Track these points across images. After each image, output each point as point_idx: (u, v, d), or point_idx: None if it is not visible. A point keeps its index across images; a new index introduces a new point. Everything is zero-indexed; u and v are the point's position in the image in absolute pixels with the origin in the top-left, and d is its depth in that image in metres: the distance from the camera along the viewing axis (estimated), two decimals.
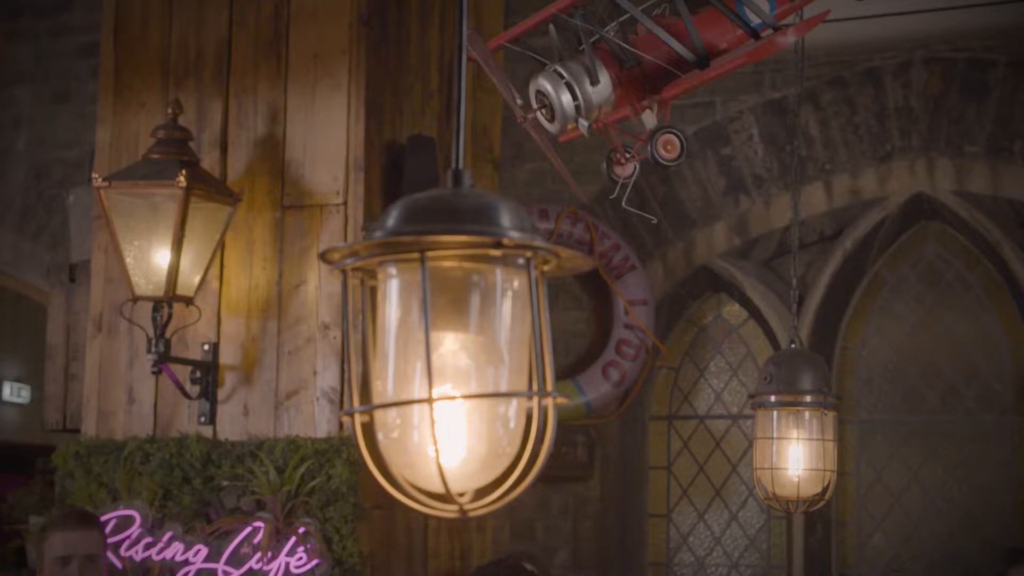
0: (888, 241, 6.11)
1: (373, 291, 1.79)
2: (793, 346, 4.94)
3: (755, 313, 6.28)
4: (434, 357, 1.70)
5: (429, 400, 1.66)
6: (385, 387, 1.74)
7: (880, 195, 6.08)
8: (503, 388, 1.74)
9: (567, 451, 6.05)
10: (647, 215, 4.48)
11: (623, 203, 4.69)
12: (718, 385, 6.44)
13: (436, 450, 1.66)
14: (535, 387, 1.75)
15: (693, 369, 6.49)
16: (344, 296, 1.76)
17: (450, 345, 1.73)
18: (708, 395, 6.46)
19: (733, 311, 6.42)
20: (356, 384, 1.77)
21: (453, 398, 1.70)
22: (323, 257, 1.73)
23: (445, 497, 1.70)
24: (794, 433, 4.88)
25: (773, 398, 4.80)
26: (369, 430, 1.75)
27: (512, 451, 1.75)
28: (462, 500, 1.73)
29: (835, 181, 6.12)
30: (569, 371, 6.17)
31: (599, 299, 6.24)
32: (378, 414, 1.75)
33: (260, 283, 5.66)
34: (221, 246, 5.56)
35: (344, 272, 1.75)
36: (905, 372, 6.13)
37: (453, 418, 1.71)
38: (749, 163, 6.17)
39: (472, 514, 1.71)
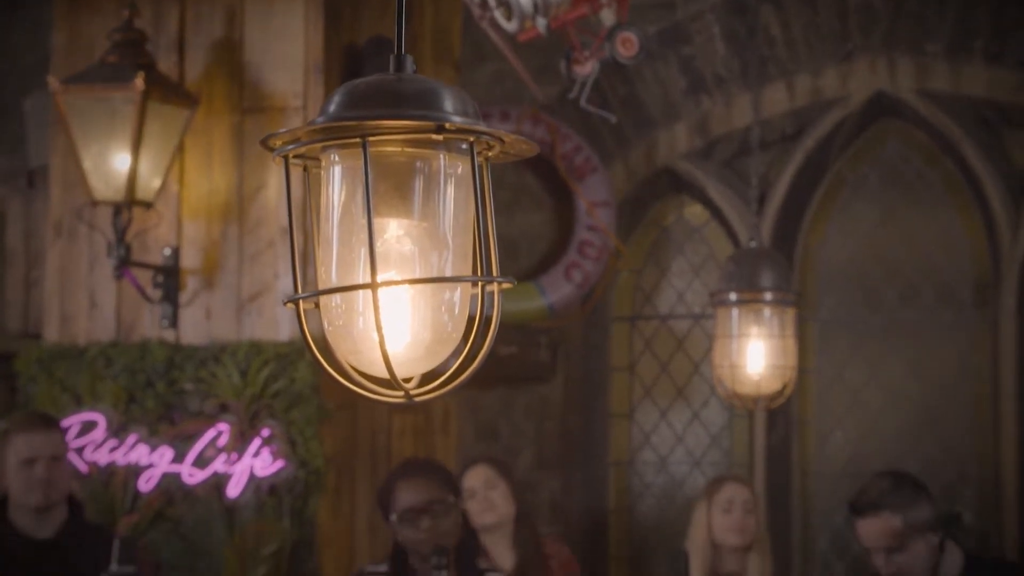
0: (849, 140, 6.12)
1: (317, 179, 1.79)
2: (753, 244, 4.96)
3: (717, 213, 6.29)
4: (378, 243, 1.71)
5: (373, 285, 1.67)
6: (329, 274, 1.74)
7: (841, 94, 6.08)
8: (448, 274, 1.75)
9: (530, 352, 6.08)
10: (606, 113, 4.48)
11: (582, 102, 4.69)
12: (680, 285, 6.47)
13: (380, 336, 1.67)
14: (480, 273, 1.75)
15: (655, 270, 6.51)
16: (286, 183, 1.76)
17: (394, 231, 1.73)
18: (670, 295, 6.49)
19: (695, 212, 6.43)
20: (300, 272, 1.77)
21: (397, 283, 1.70)
22: (264, 143, 1.72)
23: (391, 383, 1.71)
24: (754, 330, 4.91)
25: (733, 296, 4.83)
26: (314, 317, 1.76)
27: (457, 336, 1.76)
28: (408, 385, 1.73)
29: (796, 80, 6.12)
30: (531, 273, 6.19)
31: (561, 201, 6.24)
32: (323, 301, 1.75)
33: (220, 187, 5.64)
34: (180, 150, 5.53)
35: (285, 159, 1.75)
36: (865, 270, 6.16)
37: (398, 304, 1.72)
38: (710, 63, 6.16)
39: (418, 399, 1.72)
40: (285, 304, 1.73)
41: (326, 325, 1.76)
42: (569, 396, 6.40)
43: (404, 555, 4.34)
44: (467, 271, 1.77)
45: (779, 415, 6.09)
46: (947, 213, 6.04)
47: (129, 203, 5.36)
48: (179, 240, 5.65)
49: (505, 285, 1.77)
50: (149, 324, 5.65)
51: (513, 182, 6.34)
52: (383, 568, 4.37)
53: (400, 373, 1.71)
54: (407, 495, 4.27)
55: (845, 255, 6.19)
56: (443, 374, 1.77)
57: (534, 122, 6.07)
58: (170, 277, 5.61)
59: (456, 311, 1.76)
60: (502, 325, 5.57)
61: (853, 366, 6.16)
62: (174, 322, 5.61)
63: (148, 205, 5.43)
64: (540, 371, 6.20)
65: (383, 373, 1.71)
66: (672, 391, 6.45)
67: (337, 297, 1.74)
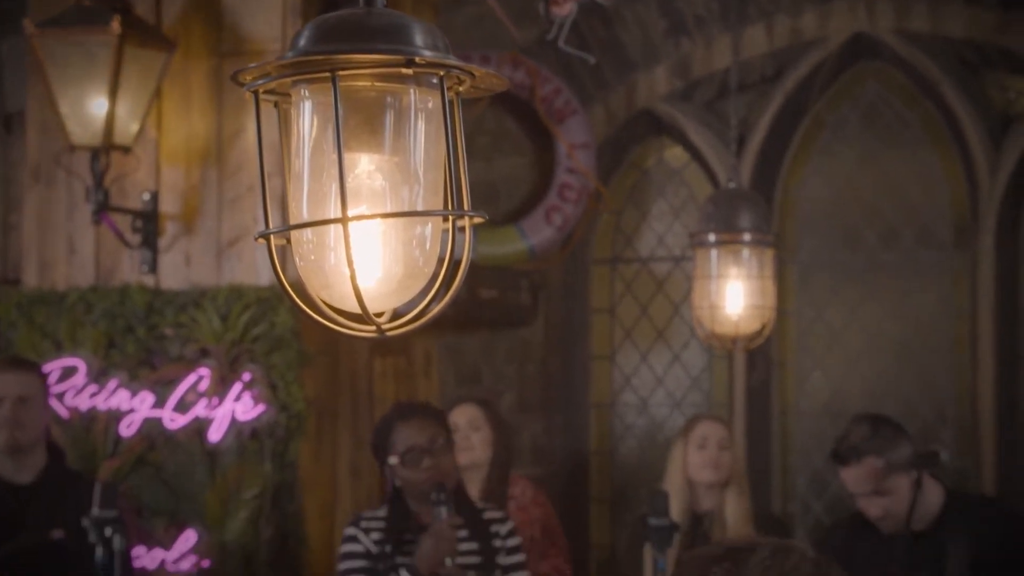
0: (828, 81, 6.11)
1: (288, 115, 1.79)
2: (732, 185, 4.96)
3: (697, 156, 6.29)
4: (349, 178, 1.71)
5: (344, 220, 1.67)
6: (300, 209, 1.74)
7: (820, 35, 6.07)
8: (419, 208, 1.75)
9: (510, 296, 6.08)
10: (585, 55, 4.47)
11: (561, 43, 4.68)
12: (660, 228, 6.47)
13: (352, 271, 1.67)
14: (450, 207, 1.75)
15: (635, 212, 6.51)
16: (257, 118, 1.76)
17: (365, 166, 1.73)
18: (650, 238, 6.50)
19: (675, 154, 6.43)
20: (271, 208, 1.77)
21: (368, 217, 1.70)
22: (235, 78, 1.72)
23: (363, 317, 1.71)
24: (733, 271, 4.92)
25: (712, 237, 4.84)
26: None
27: (429, 271, 1.76)
28: (380, 320, 1.74)
29: (776, 22, 6.10)
30: (512, 216, 6.18)
31: (541, 144, 6.23)
32: (295, 237, 1.75)
33: (199, 131, 5.62)
34: (158, 94, 5.50)
35: (256, 94, 1.74)
36: (845, 212, 6.17)
37: (369, 239, 1.72)
38: (690, 4, 6.14)
39: (390, 334, 1.73)
40: (256, 239, 1.74)
41: (298, 261, 1.76)
42: (550, 339, 6.41)
43: (402, 498, 4.35)
44: (438, 206, 1.77)
45: (759, 356, 6.11)
46: (926, 154, 6.04)
47: (107, 148, 5.34)
48: (158, 185, 5.63)
49: (476, 220, 1.77)
50: (128, 269, 5.65)
51: (493, 127, 6.33)
52: (381, 513, 4.39)
53: (372, 308, 1.72)
54: (407, 435, 4.30)
55: (824, 197, 6.20)
56: (422, 313, 1.77)
57: (514, 65, 6.05)
58: (149, 222, 5.60)
59: (427, 246, 1.76)
60: (483, 269, 5.61)
61: (833, 307, 6.18)
62: (154, 267, 5.61)
63: (126, 150, 5.42)
64: (521, 314, 6.21)
65: (355, 308, 1.71)
66: (653, 333, 6.46)
67: (308, 232, 1.74)
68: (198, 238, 5.60)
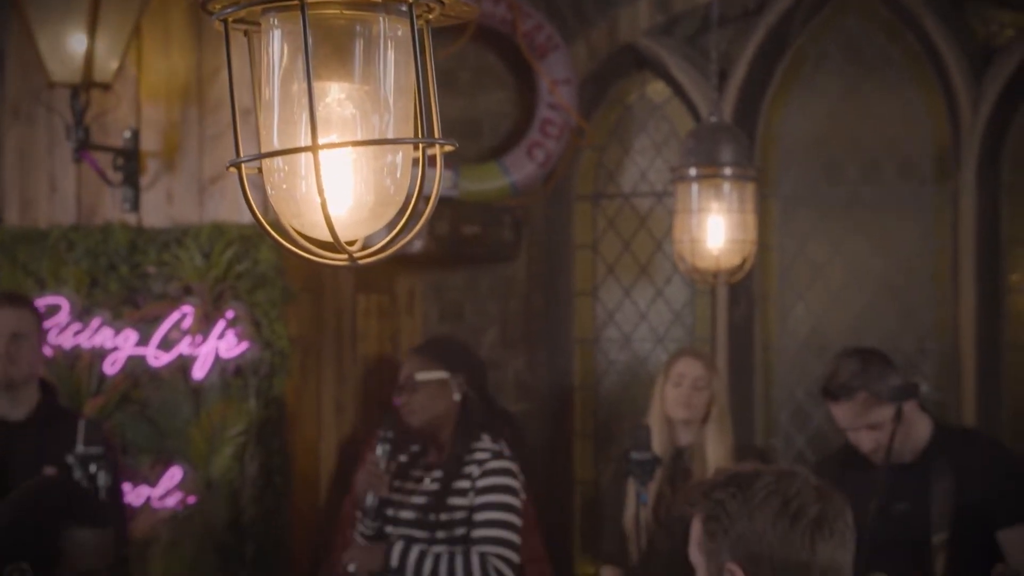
0: (810, 15, 6.09)
1: (257, 44, 1.79)
2: (713, 119, 4.96)
3: (679, 91, 6.27)
4: (319, 107, 1.71)
5: (314, 148, 1.67)
6: (271, 138, 1.75)
7: None
8: (389, 137, 1.75)
9: (493, 232, 6.09)
10: None
11: None
12: (643, 163, 6.47)
13: (322, 199, 1.68)
14: (420, 135, 1.76)
15: (618, 148, 6.50)
16: (227, 47, 1.76)
17: (335, 95, 1.74)
18: (633, 173, 6.49)
19: (657, 89, 6.41)
20: (242, 137, 1.77)
21: (338, 145, 1.71)
22: (204, 7, 1.72)
23: (334, 246, 1.72)
24: (714, 205, 4.93)
25: (693, 171, 4.84)
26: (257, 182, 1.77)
27: (400, 199, 1.77)
28: (352, 248, 1.75)
29: None
30: (494, 152, 6.18)
31: (523, 79, 6.21)
32: (266, 166, 1.76)
33: (179, 69, 5.61)
34: (138, 31, 5.49)
35: (224, 22, 1.74)
36: (827, 146, 6.17)
37: (340, 167, 1.73)
38: None
39: (362, 262, 1.74)
40: (228, 168, 1.74)
41: (269, 190, 1.77)
42: (533, 275, 6.42)
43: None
44: (409, 135, 1.77)
45: (741, 291, 6.13)
46: (908, 87, 6.03)
47: (87, 85, 5.34)
48: (138, 123, 5.63)
49: (447, 148, 1.78)
50: (110, 207, 5.65)
51: (475, 63, 6.31)
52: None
53: (344, 236, 1.72)
54: (402, 370, 4.41)
55: (807, 131, 6.19)
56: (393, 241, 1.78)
57: (495, 0, 6.03)
58: (130, 160, 5.60)
59: (398, 174, 1.76)
60: (465, 205, 5.61)
61: (815, 241, 6.19)
62: (135, 205, 5.61)
63: (106, 87, 5.41)
64: (504, 250, 6.21)
65: (327, 237, 1.72)
66: (635, 269, 6.47)
67: (279, 161, 1.75)
68: (180, 176, 5.60)
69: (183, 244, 5.48)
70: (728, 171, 4.80)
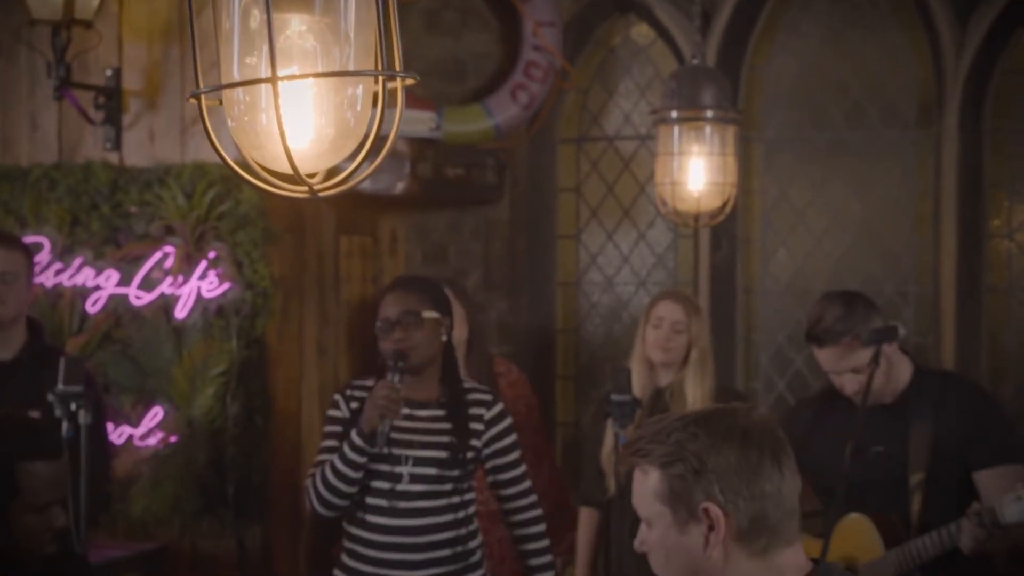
0: None
1: None
2: (695, 62, 4.96)
3: (664, 33, 6.26)
4: (279, 39, 1.71)
5: (273, 79, 1.67)
6: (231, 69, 1.75)
7: None
8: (350, 69, 1.75)
9: (476, 174, 6.08)
10: None
11: None
12: (627, 106, 6.46)
13: (281, 130, 1.68)
14: (380, 68, 1.76)
15: (602, 91, 6.49)
16: None
17: (295, 27, 1.74)
18: (617, 117, 6.48)
19: (641, 32, 6.39)
20: (202, 69, 1.77)
21: (298, 77, 1.71)
22: None
23: (295, 178, 1.73)
24: (695, 148, 4.94)
25: (674, 113, 4.85)
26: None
27: (360, 132, 1.77)
28: (312, 181, 1.75)
29: None
30: (477, 94, 6.16)
31: (507, 21, 6.19)
32: (226, 97, 1.76)
33: (161, 6, 5.58)
34: None
35: None
36: (811, 90, 6.16)
37: (300, 99, 1.73)
38: None
39: (322, 195, 1.74)
40: (188, 99, 1.74)
41: (230, 122, 1.77)
42: (516, 218, 6.42)
43: (384, 367, 4.42)
44: (369, 67, 1.77)
45: (723, 234, 6.14)
46: (893, 32, 6.02)
47: (68, 22, 5.31)
48: (120, 61, 5.60)
49: (408, 81, 1.78)
50: (92, 146, 5.64)
51: (460, 3, 6.28)
52: (368, 382, 4.44)
53: (304, 169, 1.73)
54: (386, 307, 4.34)
55: (790, 74, 6.18)
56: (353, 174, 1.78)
57: None
58: (112, 99, 5.58)
59: (359, 107, 1.76)
60: (449, 147, 5.58)
61: (797, 185, 6.19)
62: (117, 144, 5.60)
63: (87, 24, 5.38)
64: (487, 193, 6.21)
65: (287, 169, 1.73)
66: (618, 212, 6.48)
67: (240, 92, 1.75)
68: (161, 115, 5.59)
69: (165, 184, 5.47)
70: (709, 114, 4.81)
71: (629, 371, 4.60)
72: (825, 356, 4.26)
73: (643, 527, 2.33)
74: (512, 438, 4.50)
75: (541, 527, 4.54)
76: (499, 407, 4.50)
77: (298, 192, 1.72)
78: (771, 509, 2.21)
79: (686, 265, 6.33)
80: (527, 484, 4.53)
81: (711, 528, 2.21)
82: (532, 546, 4.53)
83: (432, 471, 4.36)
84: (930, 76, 5.92)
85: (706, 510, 2.21)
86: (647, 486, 2.27)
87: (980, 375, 5.74)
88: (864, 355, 4.17)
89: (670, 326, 5.02)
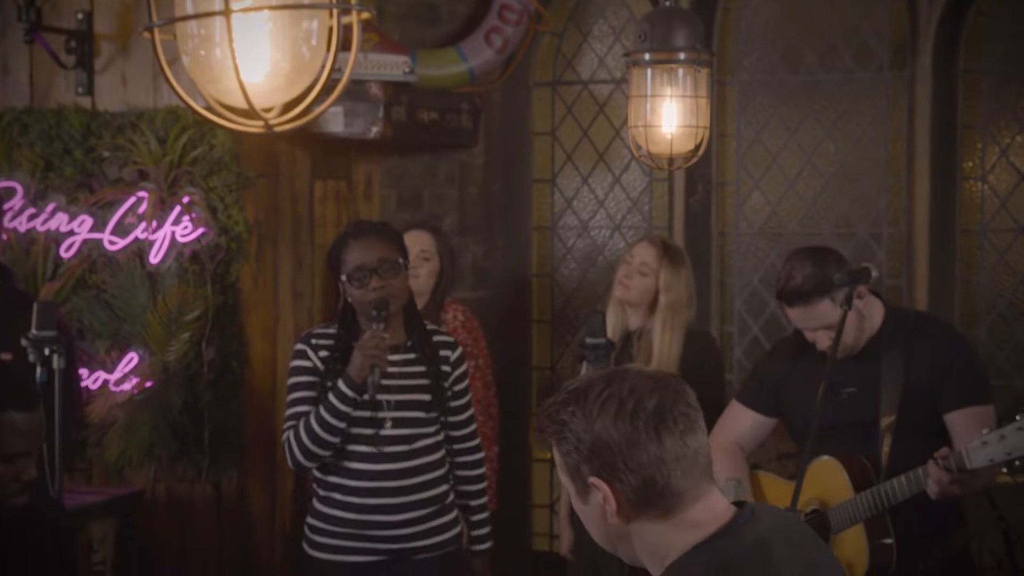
0: None
1: None
2: (668, 3, 4.94)
3: None
4: None
5: (227, 12, 1.67)
6: (184, 2, 1.74)
7: None
8: (304, 1, 1.75)
9: (451, 118, 6.06)
10: None
11: None
12: (601, 50, 6.44)
13: (234, 63, 1.68)
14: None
15: (576, 34, 6.47)
16: None
17: None
18: (591, 60, 6.47)
19: None
20: (157, 3, 1.77)
21: (251, 9, 1.70)
22: None
23: (250, 113, 1.72)
24: (668, 91, 4.92)
25: (647, 56, 4.82)
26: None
27: (315, 66, 1.77)
28: (268, 116, 1.75)
29: None
30: (451, 38, 6.14)
31: None
32: (180, 31, 1.76)
33: None
34: None
35: None
36: (785, 32, 6.15)
37: (256, 34, 1.73)
38: None
39: (277, 129, 1.74)
40: (141, 33, 1.73)
41: (184, 57, 1.77)
42: (491, 162, 6.41)
43: (353, 314, 4.40)
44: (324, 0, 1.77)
45: (698, 178, 6.14)
46: None
47: None
48: (91, 4, 5.56)
49: (364, 15, 1.77)
50: (64, 91, 5.61)
51: None
52: (331, 330, 4.43)
53: (260, 103, 1.73)
54: (358, 254, 4.31)
55: (765, 17, 6.16)
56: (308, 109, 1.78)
57: None
58: (83, 43, 5.54)
59: (314, 41, 1.76)
60: (423, 91, 5.56)
61: (771, 128, 6.19)
62: (89, 89, 5.57)
63: None
64: (462, 137, 6.19)
65: (242, 104, 1.72)
66: (593, 156, 6.47)
67: (194, 26, 1.74)
68: (134, 59, 5.55)
69: (138, 128, 5.44)
70: (682, 56, 4.78)
71: (603, 315, 4.60)
72: (796, 315, 4.25)
73: None
74: (467, 382, 4.58)
75: (481, 470, 4.61)
76: (460, 350, 4.56)
77: (254, 127, 1.72)
78: (657, 476, 2.19)
79: (661, 209, 6.33)
80: (473, 427, 4.59)
81: (605, 499, 2.22)
82: (471, 487, 4.58)
83: (416, 415, 4.39)
84: (904, 18, 5.91)
85: (595, 485, 2.22)
86: (556, 458, 2.29)
87: (952, 317, 5.76)
88: (836, 312, 4.16)
89: (637, 266, 5.05)
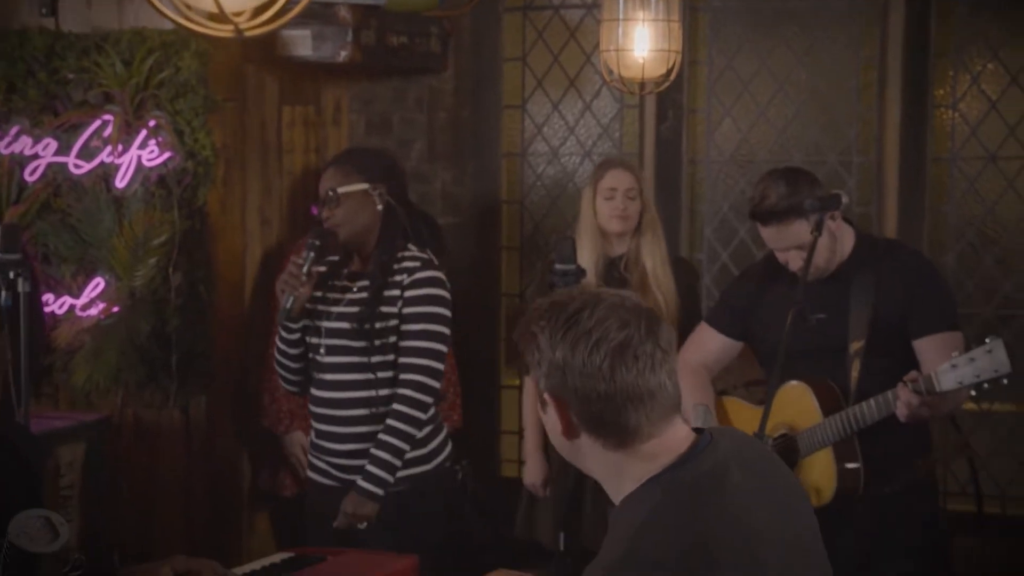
0: None
1: None
2: None
3: None
4: None
5: None
6: None
7: None
8: None
9: (420, 43, 6.01)
10: None
11: None
12: None
13: None
14: None
15: None
16: None
17: None
18: None
19: None
20: None
21: None
22: None
23: (220, 17, 1.69)
24: (640, 14, 4.91)
25: None
26: None
27: None
28: (238, 20, 1.71)
29: None
30: None
31: None
32: None
33: None
34: None
35: None
36: None
37: None
38: None
39: (248, 34, 1.71)
40: None
41: None
42: (461, 87, 6.37)
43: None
44: None
45: (669, 105, 6.11)
46: None
47: None
48: None
49: None
50: (27, 12, 5.53)
51: None
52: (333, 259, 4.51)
53: (229, 7, 1.69)
54: (322, 182, 4.36)
55: None
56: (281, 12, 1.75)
57: None
58: None
59: None
60: (392, 15, 5.49)
61: (743, 55, 6.15)
62: (53, 10, 5.49)
63: None
64: (431, 62, 6.14)
65: (212, 8, 1.69)
66: (564, 82, 6.43)
67: None
68: None
69: (103, 50, 5.37)
70: None
71: (573, 240, 4.57)
72: (769, 234, 4.25)
73: None
74: (422, 309, 4.38)
75: (406, 409, 4.35)
76: (424, 274, 4.39)
77: (223, 31, 1.69)
78: (605, 412, 2.19)
79: (631, 136, 6.30)
80: (414, 360, 4.38)
81: (555, 418, 2.23)
82: (389, 422, 4.36)
83: (342, 342, 4.38)
84: None
85: (546, 400, 2.24)
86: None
87: (921, 245, 5.77)
88: (808, 232, 4.16)
89: (623, 194, 5.03)
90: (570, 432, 2.22)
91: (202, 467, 5.51)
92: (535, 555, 4.99)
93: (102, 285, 5.44)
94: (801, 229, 4.16)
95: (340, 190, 4.35)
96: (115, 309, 5.41)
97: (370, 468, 4.31)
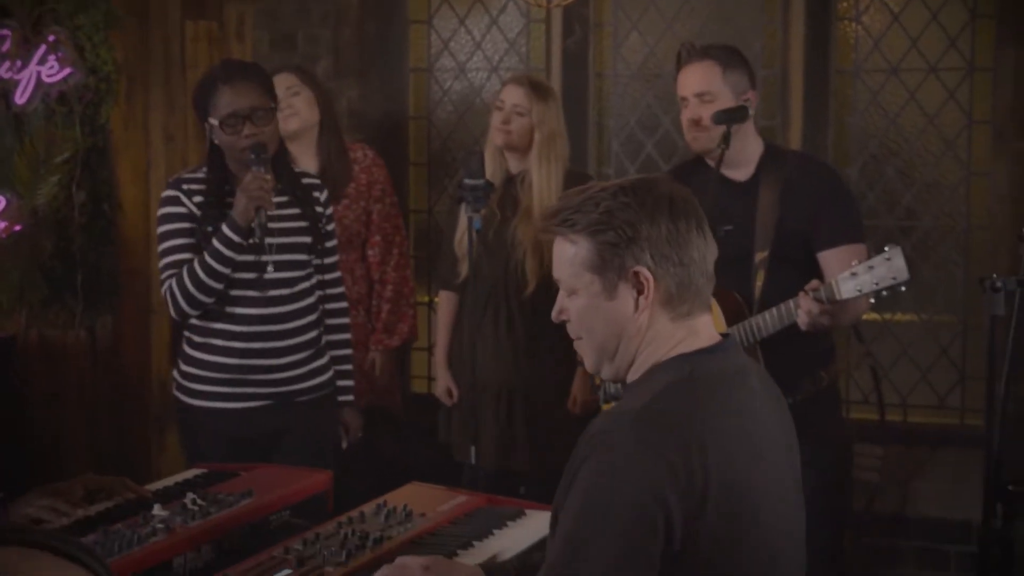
0: None
1: None
2: None
3: None
4: None
5: None
6: None
7: None
8: None
9: None
10: None
11: None
12: None
13: None
14: None
15: None
16: None
17: None
18: None
19: None
20: None
21: None
22: None
23: None
24: None
25: None
26: None
27: None
28: None
29: None
30: None
31: None
32: None
33: None
34: None
35: None
36: None
37: None
38: None
39: None
40: None
41: None
42: (366, 2, 6.31)
43: (221, 158, 4.31)
44: None
45: (575, 19, 6.10)
46: None
47: None
48: None
49: None
50: None
51: None
52: (201, 175, 4.34)
53: None
54: (229, 99, 4.20)
55: None
56: None
57: None
58: None
59: None
60: None
61: None
62: None
63: None
64: None
65: None
66: None
67: None
68: None
69: None
70: None
71: (481, 155, 4.59)
72: (685, 74, 4.33)
73: (562, 296, 2.43)
74: (334, 225, 4.57)
75: (347, 320, 4.65)
76: (327, 191, 4.56)
77: None
78: (696, 275, 2.32)
79: (538, 51, 6.29)
80: (339, 274, 4.61)
81: (640, 292, 2.31)
82: (341, 336, 4.61)
83: (298, 257, 4.36)
84: None
85: (637, 274, 2.30)
86: (573, 255, 2.34)
87: (825, 157, 5.81)
88: (717, 81, 4.23)
89: (511, 108, 5.04)
90: (652, 305, 2.31)
91: (108, 387, 5.48)
92: (448, 469, 5.02)
93: (3, 203, 5.37)
94: (713, 76, 4.24)
95: (272, 105, 4.31)
96: (17, 228, 5.34)
97: (345, 382, 4.58)
